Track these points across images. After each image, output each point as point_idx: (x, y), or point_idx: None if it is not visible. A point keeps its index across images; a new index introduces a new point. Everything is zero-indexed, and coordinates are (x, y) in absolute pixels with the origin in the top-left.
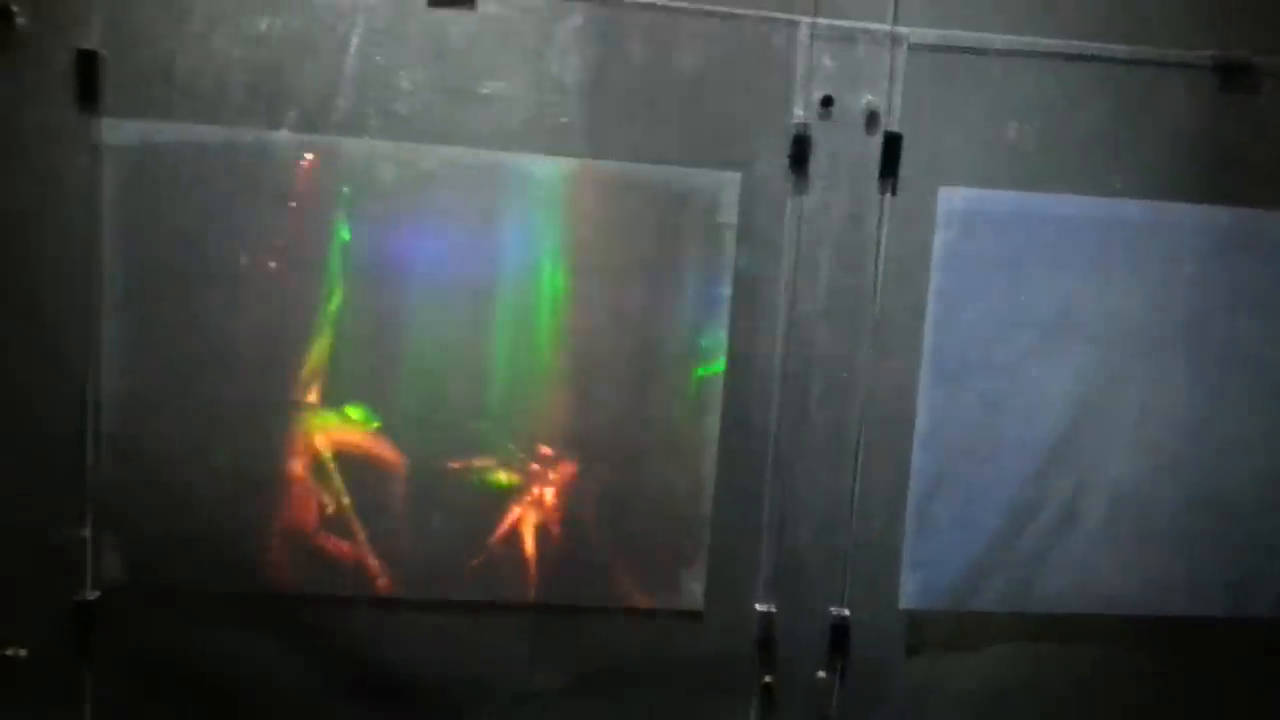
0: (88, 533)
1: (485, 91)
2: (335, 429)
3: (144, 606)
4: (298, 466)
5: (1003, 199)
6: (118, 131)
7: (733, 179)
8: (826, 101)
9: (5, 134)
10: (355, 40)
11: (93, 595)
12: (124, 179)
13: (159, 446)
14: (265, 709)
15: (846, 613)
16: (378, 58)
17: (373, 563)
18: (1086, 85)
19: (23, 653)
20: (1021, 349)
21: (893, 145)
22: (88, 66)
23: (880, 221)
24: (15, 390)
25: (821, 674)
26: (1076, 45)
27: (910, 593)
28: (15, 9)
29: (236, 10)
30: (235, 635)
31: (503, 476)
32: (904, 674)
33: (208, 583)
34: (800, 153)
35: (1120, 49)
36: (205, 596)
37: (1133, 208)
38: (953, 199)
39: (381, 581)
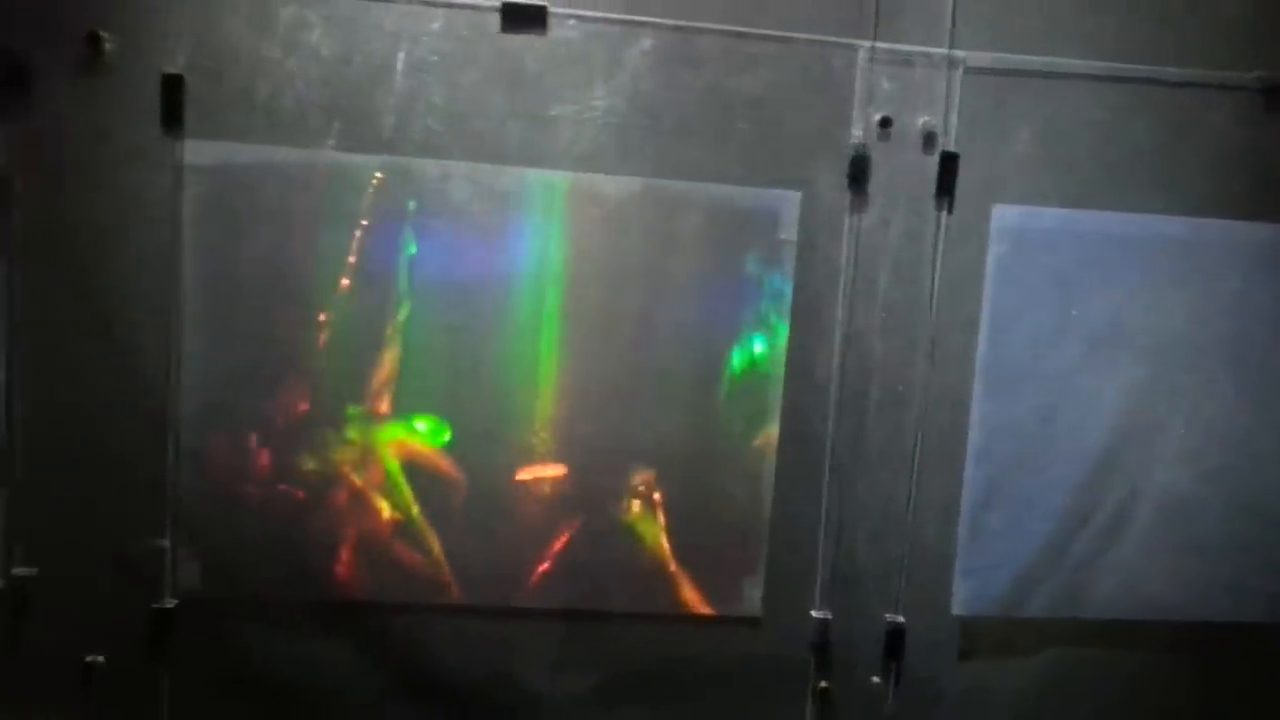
0: (167, 543)
1: (555, 113)
2: (405, 440)
3: (219, 614)
4: (369, 477)
5: (1054, 216)
6: (199, 152)
7: (793, 197)
8: (885, 122)
9: (93, 154)
10: (430, 64)
11: (170, 604)
12: (203, 198)
13: (235, 459)
14: (335, 714)
15: (901, 619)
16: (452, 81)
17: (441, 571)
18: (1135, 106)
19: (100, 659)
20: (1071, 362)
21: (949, 164)
22: (172, 90)
23: (936, 238)
24: (98, 405)
25: (876, 679)
26: (1126, 68)
27: (963, 599)
28: (105, 34)
29: (314, 35)
30: (307, 641)
31: (567, 486)
32: (956, 678)
33: (281, 591)
34: (859, 172)
35: (1168, 71)
36: (278, 604)
37: (1178, 225)
38: (1006, 216)
39: (448, 589)
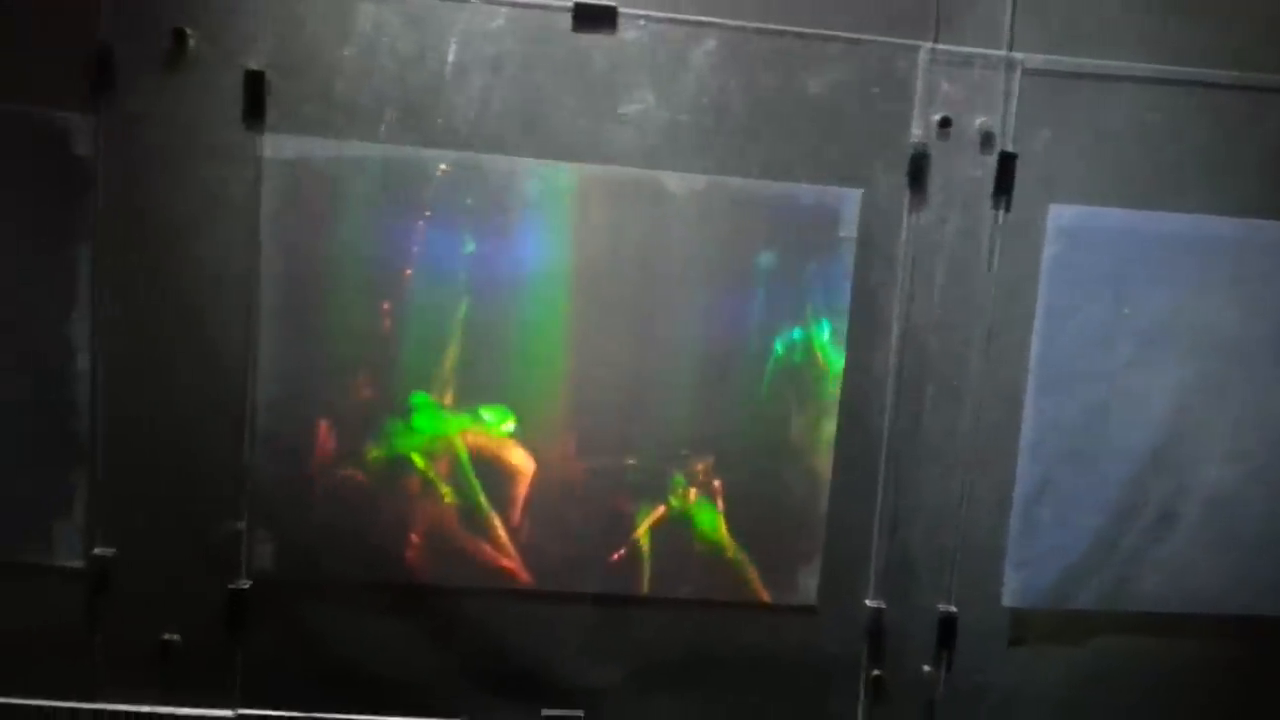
0: (242, 526)
1: (623, 111)
2: (471, 428)
3: (291, 595)
4: (436, 464)
5: (1109, 216)
6: (279, 147)
7: (854, 195)
8: (945, 123)
9: (176, 147)
10: (503, 62)
11: (245, 584)
12: (282, 192)
13: (309, 445)
14: (404, 694)
15: (953, 609)
16: (523, 79)
17: (506, 557)
18: (1189, 108)
19: (177, 637)
20: (1123, 360)
21: (1007, 164)
22: (255, 86)
23: (993, 237)
24: (178, 392)
25: (927, 668)
26: (1180, 70)
27: (1013, 590)
28: (190, 31)
29: (392, 34)
30: (376, 623)
31: (630, 476)
32: (1005, 668)
33: (350, 573)
34: (918, 171)
35: (1222, 74)
36: (349, 586)
37: (1230, 225)
38: (1062, 216)
39: (515, 574)
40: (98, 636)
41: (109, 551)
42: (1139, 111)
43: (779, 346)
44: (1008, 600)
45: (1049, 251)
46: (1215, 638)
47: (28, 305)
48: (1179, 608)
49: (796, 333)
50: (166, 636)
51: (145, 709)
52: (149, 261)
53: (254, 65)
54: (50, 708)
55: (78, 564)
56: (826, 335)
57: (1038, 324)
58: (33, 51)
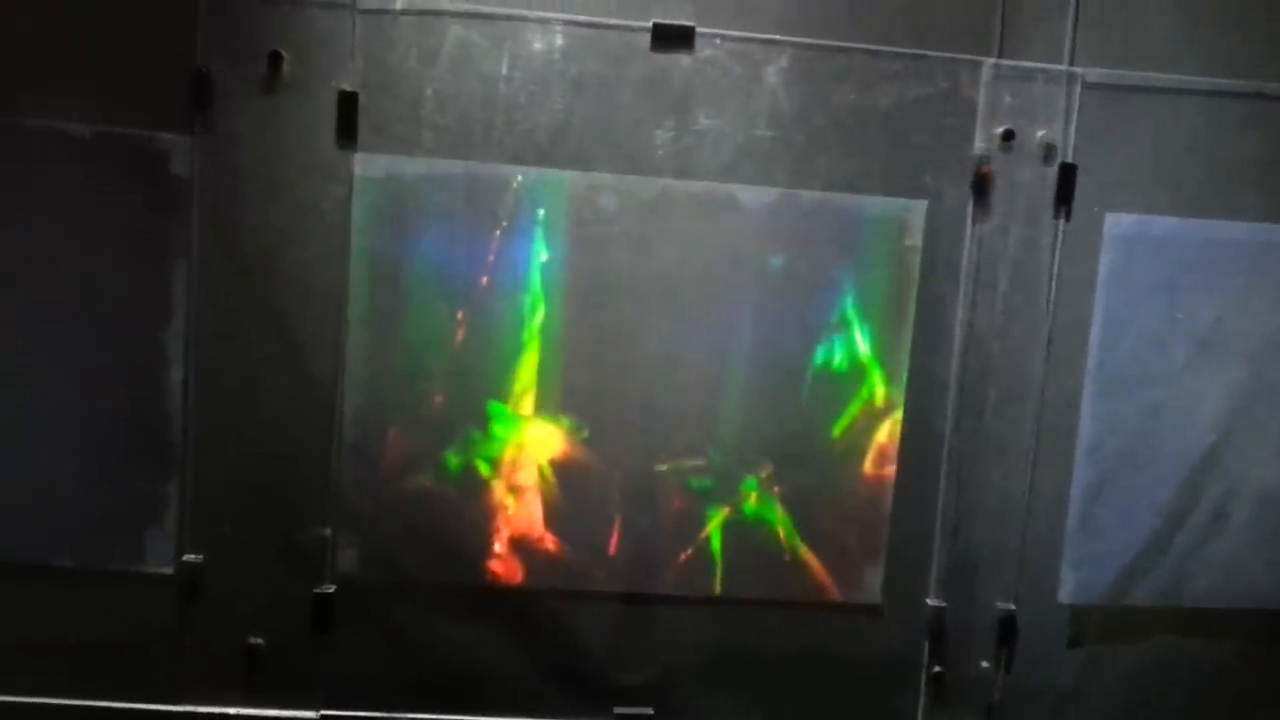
0: (328, 531)
1: (699, 127)
2: (548, 436)
3: (375, 599)
4: (514, 470)
5: (1164, 224)
6: (370, 165)
7: (920, 206)
8: (1008, 135)
9: (270, 165)
10: (584, 81)
11: (330, 589)
12: (372, 208)
13: (392, 452)
14: (487, 696)
15: (1013, 607)
16: (605, 97)
17: (581, 559)
18: (1242, 120)
19: (261, 641)
20: (1178, 364)
21: (1068, 175)
22: (347, 106)
23: (1054, 245)
24: (267, 401)
25: (985, 664)
26: (1234, 83)
27: (1070, 589)
28: (284, 54)
29: (479, 54)
30: (458, 626)
31: (701, 479)
32: (1064, 665)
33: (432, 576)
34: (981, 182)
35: (1275, 86)
36: (429, 589)
37: None
38: (1118, 224)
39: (587, 576)
40: (186, 641)
41: (198, 558)
42: (1194, 123)
43: (842, 353)
44: (1064, 598)
45: (1106, 259)
46: (1269, 632)
47: (125, 319)
48: (1232, 603)
49: (860, 339)
50: (252, 640)
51: (232, 711)
52: (242, 276)
53: (347, 86)
54: (140, 710)
55: (167, 570)
56: (888, 342)
57: (1095, 329)
58: (133, 75)
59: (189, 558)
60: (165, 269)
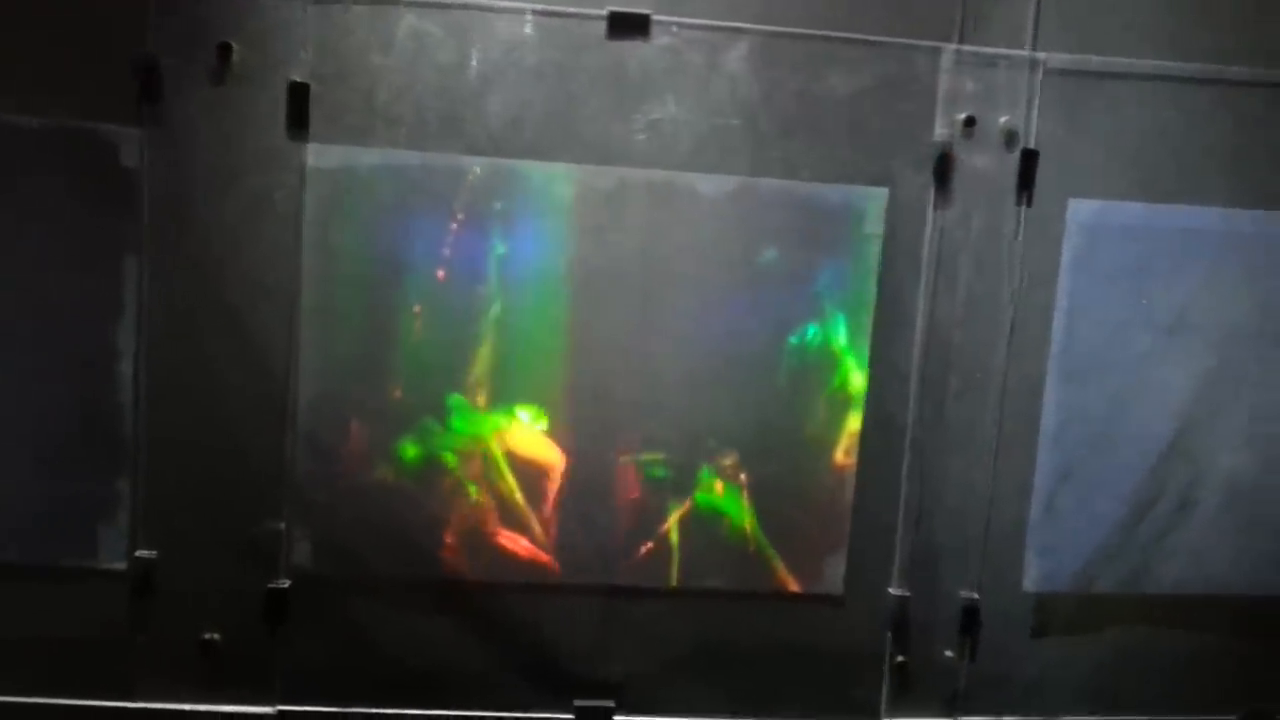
0: (282, 525)
1: (658, 116)
2: (504, 428)
3: (330, 592)
4: (471, 463)
5: (1127, 210)
6: (322, 156)
7: (880, 193)
8: (969, 121)
9: (222, 159)
10: (540, 70)
11: (284, 583)
12: (324, 199)
13: (346, 446)
14: (442, 689)
15: (976, 596)
16: (561, 86)
17: (539, 552)
18: (1208, 104)
19: (216, 636)
20: (1142, 351)
21: (1029, 161)
22: (298, 97)
23: (1016, 232)
24: (220, 395)
25: (949, 653)
26: (1200, 69)
27: (1035, 577)
28: (234, 45)
29: (431, 44)
30: (414, 620)
31: (659, 470)
32: (1029, 654)
33: (388, 570)
34: (943, 169)
35: (1240, 71)
36: (385, 583)
37: (1247, 218)
38: (1081, 210)
39: (546, 569)
40: (140, 637)
41: (151, 554)
42: (1159, 108)
43: (803, 342)
44: (1029, 586)
45: (1069, 245)
46: (1236, 619)
47: (75, 313)
48: (1199, 590)
49: (819, 329)
50: (207, 636)
51: (187, 707)
52: (193, 269)
53: (298, 77)
54: (94, 707)
55: (120, 566)
56: (849, 331)
57: (1058, 316)
58: (81, 66)
59: (142, 553)
60: (115, 262)
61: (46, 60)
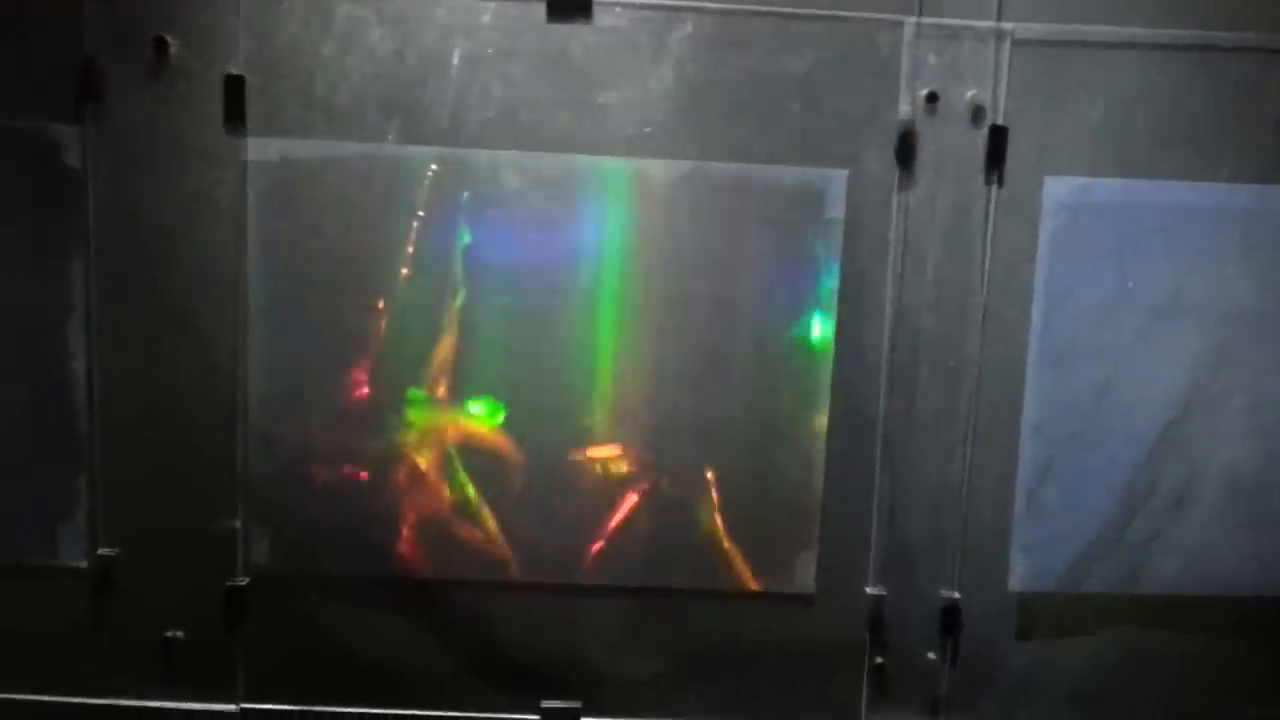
0: (238, 523)
1: (603, 100)
2: (462, 422)
3: (290, 590)
4: (429, 458)
5: (1110, 187)
6: (262, 150)
7: (840, 175)
8: (932, 97)
9: (162, 154)
10: (480, 56)
11: (243, 580)
12: (267, 193)
13: (301, 442)
14: (402, 687)
15: (957, 596)
16: (501, 72)
17: (500, 549)
18: (1193, 73)
19: (180, 634)
20: (1130, 336)
21: (998, 138)
22: (233, 90)
23: (986, 213)
24: (172, 394)
25: (931, 655)
26: (1182, 34)
27: (1021, 575)
28: (170, 39)
29: (369, 33)
30: (373, 617)
31: (619, 465)
32: (1014, 656)
33: (346, 568)
34: (906, 148)
35: (1226, 36)
36: (345, 580)
37: (1242, 193)
38: (1059, 188)
39: (508, 566)
40: (103, 634)
41: (112, 551)
42: (1137, 78)
43: (764, 332)
44: (1015, 585)
45: (1046, 226)
46: (1238, 622)
47: (26, 313)
48: (1198, 590)
49: (781, 318)
50: (170, 633)
51: (152, 704)
52: (140, 267)
53: (233, 70)
54: (58, 704)
55: (81, 564)
56: (813, 319)
57: (1037, 300)
58: (19, 66)
59: (103, 551)
60: (63, 261)
61: None
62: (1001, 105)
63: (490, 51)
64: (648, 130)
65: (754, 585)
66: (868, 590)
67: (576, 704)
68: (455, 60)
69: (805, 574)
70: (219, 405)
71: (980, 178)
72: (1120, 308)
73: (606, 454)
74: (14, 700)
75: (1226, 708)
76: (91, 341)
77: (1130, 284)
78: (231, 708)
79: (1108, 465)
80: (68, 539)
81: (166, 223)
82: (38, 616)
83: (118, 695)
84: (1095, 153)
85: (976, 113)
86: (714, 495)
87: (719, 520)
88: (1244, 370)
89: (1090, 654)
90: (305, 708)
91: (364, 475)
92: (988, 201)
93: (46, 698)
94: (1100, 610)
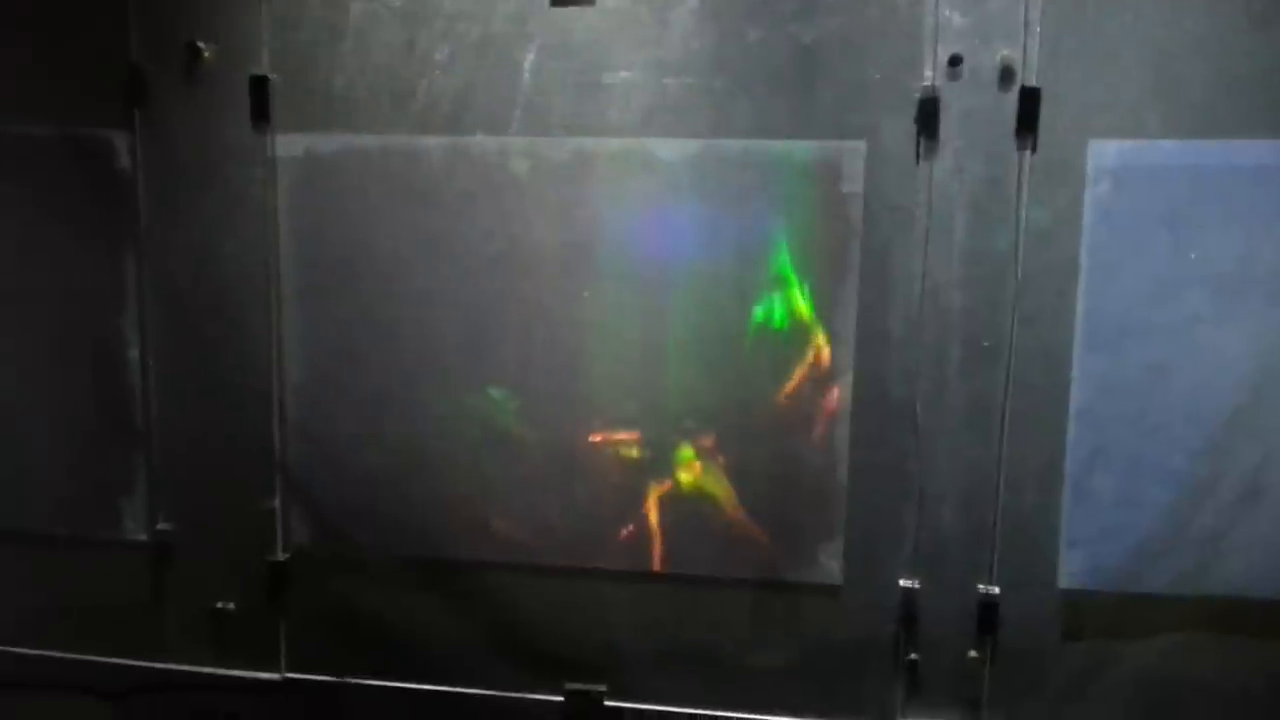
0: (277, 503)
1: (609, 81)
2: (482, 408)
3: (327, 567)
4: (454, 443)
5: (1163, 149)
6: (288, 145)
7: (856, 147)
8: (954, 60)
9: (201, 155)
10: (487, 44)
11: (284, 557)
12: (294, 187)
13: (335, 427)
14: (432, 662)
15: (996, 590)
16: (508, 59)
17: (521, 532)
18: (1247, 18)
19: (231, 606)
20: (1190, 311)
21: (1030, 100)
22: (259, 90)
23: (1019, 181)
24: (213, 383)
25: (973, 653)
26: None
27: (1071, 572)
28: (202, 44)
29: (382, 30)
30: (404, 595)
31: (640, 451)
32: (1062, 659)
33: (379, 547)
34: (928, 115)
35: None
36: (378, 560)
37: None
38: (1105, 153)
39: (530, 549)
40: (161, 603)
41: (169, 526)
42: (1190, 27)
43: (780, 312)
44: (1064, 582)
45: (1091, 194)
46: None
47: (86, 306)
48: (1271, 593)
49: (799, 297)
50: (220, 605)
51: (205, 669)
52: (184, 261)
53: (257, 70)
54: (119, 665)
55: (142, 537)
56: (832, 298)
57: (1084, 275)
58: (71, 74)
59: (162, 526)
60: (118, 256)
61: (38, 70)
62: (1034, 65)
63: (496, 39)
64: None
65: (784, 573)
66: (900, 583)
67: (601, 687)
68: (463, 50)
69: (830, 564)
70: (256, 392)
71: (1012, 144)
72: (1178, 281)
73: (624, 437)
74: (79, 659)
75: None
76: (144, 331)
77: (1191, 255)
78: (275, 676)
79: (1167, 453)
80: (130, 514)
81: (207, 219)
82: (103, 585)
83: (174, 660)
84: (1143, 112)
85: (1005, 74)
86: (731, 480)
87: (739, 506)
88: None
89: (1148, 660)
90: (344, 679)
91: (394, 459)
92: (1020, 170)
93: (108, 659)
94: (1160, 612)
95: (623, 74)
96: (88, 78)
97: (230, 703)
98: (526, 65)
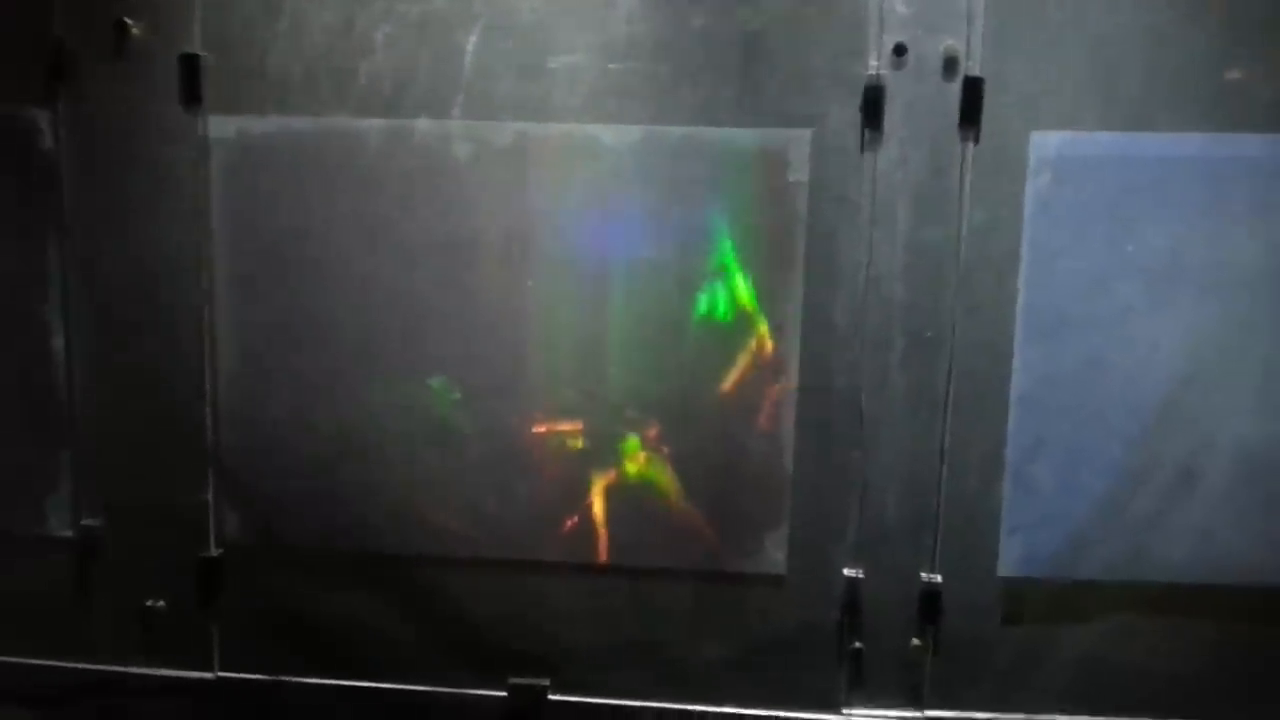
0: (209, 497)
1: (553, 65)
2: (421, 399)
3: (262, 562)
4: (391, 433)
5: (1103, 141)
6: (219, 126)
7: (801, 136)
8: (899, 50)
9: (128, 136)
10: (428, 25)
11: (216, 552)
12: (226, 170)
13: (269, 418)
14: (371, 659)
15: (938, 579)
16: (450, 40)
17: (462, 525)
18: (1192, 10)
19: (161, 604)
20: (1126, 302)
21: (973, 90)
22: (191, 69)
23: (962, 172)
24: (142, 371)
25: (916, 641)
26: None
27: (1010, 559)
28: (130, 21)
29: (319, 8)
30: (340, 590)
31: (584, 442)
32: (1002, 645)
33: (316, 541)
34: (873, 104)
35: None
36: (313, 554)
37: (1251, 143)
38: (1045, 144)
39: (471, 542)
40: (88, 601)
41: (96, 522)
42: (1130, 20)
43: (724, 302)
44: (1004, 570)
45: (1033, 185)
46: (1252, 612)
47: (7, 293)
48: (1205, 578)
49: (742, 286)
50: (150, 603)
51: (134, 670)
52: (110, 246)
53: (188, 49)
54: (46, 667)
55: (67, 534)
56: (775, 288)
57: (1024, 265)
58: None
59: (88, 522)
60: (39, 241)
61: None
62: (977, 55)
63: (438, 20)
64: (590, 60)
65: (730, 564)
66: (845, 572)
67: (544, 681)
68: (403, 31)
69: (775, 553)
70: (187, 381)
71: (955, 134)
72: (1115, 272)
73: (567, 428)
74: (2, 663)
75: (1233, 704)
76: (68, 320)
77: (1129, 247)
78: (209, 676)
79: (1104, 442)
80: (55, 510)
81: (133, 202)
82: (27, 584)
83: (102, 661)
84: (1083, 103)
85: (949, 64)
86: (677, 470)
87: (684, 497)
88: (1254, 338)
89: (1086, 644)
90: (279, 678)
91: (328, 451)
92: (963, 159)
93: (35, 660)
94: (1098, 598)
95: (566, 58)
96: (8, 53)
97: (162, 704)
98: (469, 47)
